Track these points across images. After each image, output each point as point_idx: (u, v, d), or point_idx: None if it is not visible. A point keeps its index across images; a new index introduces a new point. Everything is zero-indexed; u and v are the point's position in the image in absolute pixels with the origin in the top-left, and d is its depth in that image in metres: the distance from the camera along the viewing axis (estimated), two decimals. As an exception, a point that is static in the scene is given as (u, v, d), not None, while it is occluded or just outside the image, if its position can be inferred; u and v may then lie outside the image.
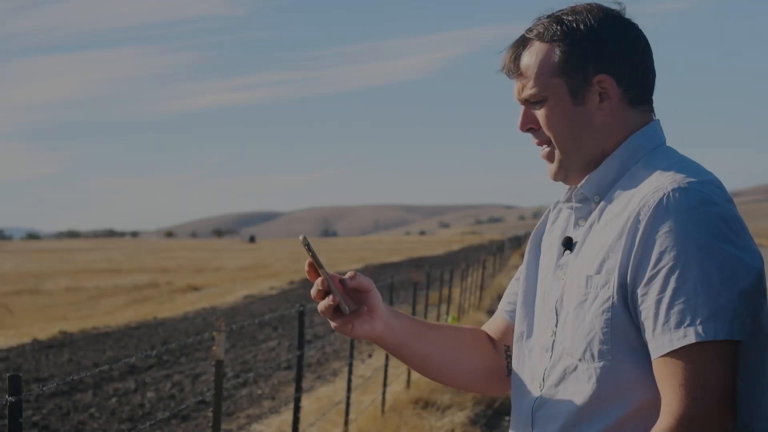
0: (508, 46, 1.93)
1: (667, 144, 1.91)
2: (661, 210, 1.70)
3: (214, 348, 5.06)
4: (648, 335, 1.70)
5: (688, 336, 1.65)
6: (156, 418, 6.19)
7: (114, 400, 10.99)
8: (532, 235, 2.08)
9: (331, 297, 1.85)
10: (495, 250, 30.61)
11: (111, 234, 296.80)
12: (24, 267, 53.92)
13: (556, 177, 1.91)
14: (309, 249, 1.82)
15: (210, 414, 7.87)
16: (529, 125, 1.90)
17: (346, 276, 1.90)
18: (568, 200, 1.93)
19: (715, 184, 1.75)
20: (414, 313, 12.45)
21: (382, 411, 8.79)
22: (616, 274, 1.74)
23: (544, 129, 1.88)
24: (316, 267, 1.85)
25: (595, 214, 1.86)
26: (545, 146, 1.90)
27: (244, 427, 9.20)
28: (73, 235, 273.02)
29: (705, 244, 1.67)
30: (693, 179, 1.74)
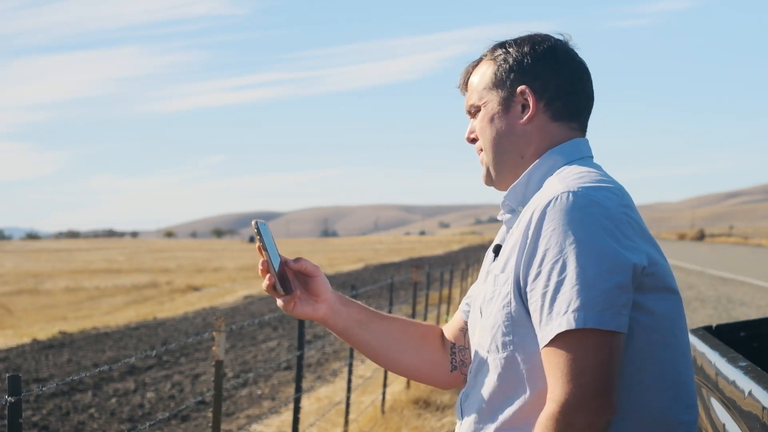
0: (466, 65, 2.16)
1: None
2: (549, 211, 1.85)
3: (214, 348, 5.06)
4: (536, 327, 1.85)
5: (561, 325, 1.78)
6: (156, 419, 6.18)
7: (114, 400, 10.98)
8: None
9: (268, 277, 2.04)
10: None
11: (111, 234, 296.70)
12: (23, 267, 53.94)
13: (486, 181, 2.11)
14: (258, 233, 2.02)
15: (210, 414, 7.86)
16: (472, 135, 2.11)
17: (293, 260, 2.11)
18: (500, 212, 2.10)
19: (612, 191, 1.89)
20: (414, 313, 12.45)
21: (382, 411, 8.78)
22: (512, 273, 1.91)
23: (477, 135, 2.09)
24: (262, 250, 2.04)
25: (516, 222, 2.01)
26: (479, 153, 2.10)
27: (244, 428, 9.19)
28: (72, 235, 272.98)
29: (585, 240, 1.81)
30: (586, 185, 1.88)
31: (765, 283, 23.12)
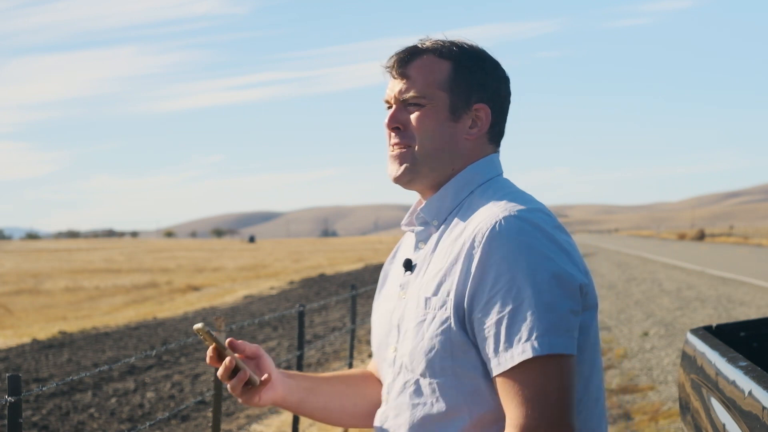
0: (399, 50, 2.03)
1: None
2: (494, 236, 1.83)
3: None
4: (489, 354, 1.82)
5: (526, 351, 1.77)
6: (156, 419, 6.19)
7: (114, 400, 10.98)
8: (385, 263, 2.19)
9: (241, 373, 1.97)
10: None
11: (110, 234, 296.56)
12: (23, 267, 53.92)
13: (401, 179, 2.00)
14: (210, 335, 1.92)
15: (210, 414, 7.85)
16: (397, 124, 2.00)
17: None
18: (409, 224, 2.06)
19: (544, 212, 1.90)
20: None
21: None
22: (452, 297, 1.86)
23: (414, 130, 1.98)
24: (219, 351, 1.96)
25: (434, 238, 1.99)
26: (404, 148, 1.99)
27: (244, 428, 9.19)
28: (72, 235, 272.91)
29: (536, 265, 1.81)
30: (522, 207, 1.88)
31: (765, 283, 23.12)
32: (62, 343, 16.86)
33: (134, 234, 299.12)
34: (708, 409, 3.14)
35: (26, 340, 17.57)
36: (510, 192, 1.96)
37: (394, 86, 2.01)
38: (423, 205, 2.02)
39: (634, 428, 8.50)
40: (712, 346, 3.25)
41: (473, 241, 1.86)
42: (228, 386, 1.99)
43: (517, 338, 1.79)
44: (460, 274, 1.86)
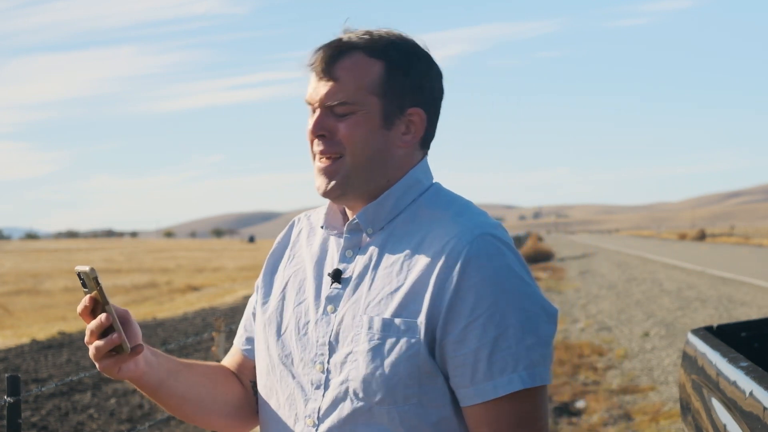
0: (324, 45, 1.81)
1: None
2: (471, 257, 1.69)
3: (213, 348, 5.04)
4: (464, 382, 1.70)
5: (514, 383, 1.68)
6: (155, 419, 6.18)
7: (113, 400, 10.97)
8: (267, 259, 1.99)
9: (115, 335, 1.70)
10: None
11: (110, 234, 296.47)
12: (23, 267, 53.89)
13: (332, 193, 1.80)
14: (97, 282, 1.69)
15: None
16: (324, 131, 1.79)
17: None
18: (332, 227, 1.87)
19: (503, 228, 1.77)
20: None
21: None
22: (423, 321, 1.70)
23: (344, 141, 1.78)
24: (100, 302, 1.70)
25: (373, 249, 1.80)
26: (332, 159, 1.80)
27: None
28: (72, 235, 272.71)
29: (518, 289, 1.70)
30: (492, 225, 1.76)
31: (766, 283, 23.10)
32: (61, 343, 16.85)
33: (134, 234, 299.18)
34: (709, 410, 3.13)
35: (25, 340, 17.56)
36: (465, 204, 1.82)
37: (320, 88, 1.79)
38: (360, 212, 1.81)
39: (635, 429, 8.50)
40: (713, 347, 3.24)
41: (446, 260, 1.70)
42: (92, 347, 1.72)
43: (501, 368, 1.68)
44: (432, 296, 1.70)
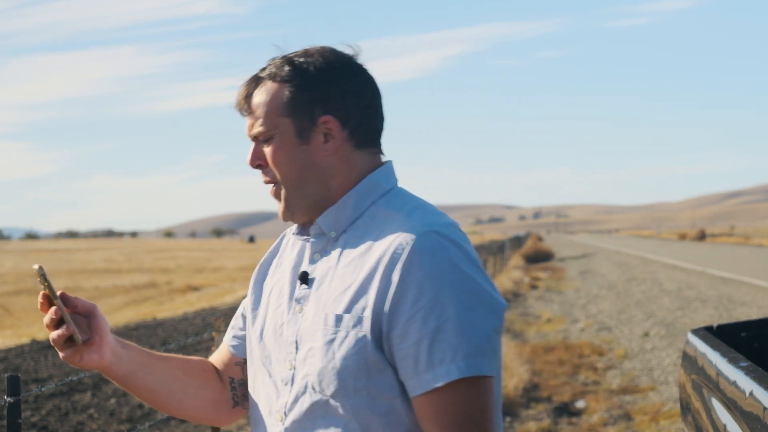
0: (241, 84, 1.96)
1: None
2: (415, 253, 1.77)
3: (213, 348, 5.04)
4: (408, 374, 1.77)
5: (451, 373, 1.73)
6: (155, 419, 6.18)
7: (113, 400, 10.97)
8: (258, 267, 2.11)
9: (65, 327, 1.87)
10: (495, 250, 30.54)
11: (110, 234, 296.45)
12: (23, 267, 53.88)
13: (284, 216, 1.95)
14: (45, 280, 1.84)
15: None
16: (258, 161, 1.94)
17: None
18: (301, 233, 1.97)
19: (457, 227, 1.85)
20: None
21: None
22: (369, 315, 1.79)
23: (272, 165, 1.91)
24: (50, 298, 1.87)
25: (335, 250, 1.90)
26: (272, 186, 1.94)
27: (244, 428, 9.18)
28: (71, 235, 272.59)
29: (459, 282, 1.76)
30: (440, 223, 1.83)
31: (766, 283, 23.11)
32: (62, 343, 16.84)
33: (134, 234, 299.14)
34: (709, 410, 3.13)
35: (25, 340, 17.56)
36: (420, 205, 1.89)
37: (247, 123, 1.95)
38: (321, 216, 1.92)
39: (635, 429, 8.50)
40: (713, 347, 3.24)
41: (392, 256, 1.79)
42: (50, 336, 1.89)
43: (440, 358, 1.74)
44: (377, 291, 1.78)
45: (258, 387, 1.98)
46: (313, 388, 1.83)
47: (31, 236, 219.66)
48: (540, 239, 72.99)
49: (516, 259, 39.00)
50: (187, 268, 49.58)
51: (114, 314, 24.61)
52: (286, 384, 1.89)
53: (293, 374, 1.88)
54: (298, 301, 1.91)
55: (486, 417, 1.76)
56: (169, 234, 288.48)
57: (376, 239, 1.84)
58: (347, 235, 1.90)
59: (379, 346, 1.79)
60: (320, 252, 1.92)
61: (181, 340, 10.19)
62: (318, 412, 1.83)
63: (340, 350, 1.80)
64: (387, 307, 1.78)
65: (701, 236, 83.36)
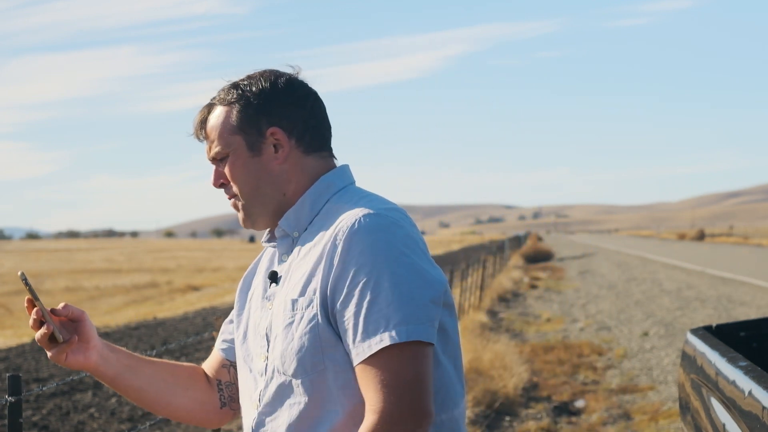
0: (197, 113, 2.16)
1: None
2: (354, 232, 1.92)
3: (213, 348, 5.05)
4: (349, 345, 1.90)
5: (384, 340, 1.86)
6: (156, 419, 6.18)
7: (114, 400, 10.98)
8: (242, 278, 2.26)
9: (45, 326, 2.06)
10: (495, 250, 30.56)
11: (110, 234, 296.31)
12: (23, 267, 53.88)
13: (245, 225, 2.13)
14: (27, 284, 2.03)
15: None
16: (221, 181, 2.12)
17: (59, 306, 2.11)
18: (270, 240, 2.14)
19: (401, 212, 2.00)
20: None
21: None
22: (318, 294, 1.94)
23: (231, 181, 2.10)
24: (33, 301, 2.05)
25: (298, 248, 2.06)
26: (234, 199, 2.11)
27: (244, 427, 9.20)
28: (72, 234, 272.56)
29: (394, 258, 1.90)
30: (381, 207, 1.98)
31: (765, 283, 23.11)
32: (62, 343, 16.85)
33: (134, 234, 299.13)
34: (708, 409, 3.14)
35: (26, 340, 17.57)
36: (366, 195, 2.05)
37: (205, 148, 2.14)
38: (282, 219, 2.09)
39: (634, 428, 8.51)
40: (712, 346, 3.25)
41: (335, 238, 1.94)
42: (35, 336, 2.08)
43: (374, 327, 1.86)
44: (323, 272, 1.94)
45: (242, 383, 2.13)
46: (278, 371, 1.99)
47: (32, 236, 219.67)
48: (540, 239, 72.98)
49: (516, 259, 39.01)
50: (188, 268, 49.58)
51: (114, 314, 24.62)
52: (261, 375, 2.04)
53: (266, 365, 2.03)
54: (268, 298, 2.07)
55: (420, 382, 1.85)
56: (169, 234, 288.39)
57: (327, 229, 2.00)
58: (307, 232, 2.06)
59: (329, 323, 1.93)
60: (287, 252, 2.09)
61: (182, 339, 10.20)
62: (284, 392, 1.97)
63: (297, 331, 1.95)
64: (330, 284, 1.93)
65: (701, 236, 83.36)
